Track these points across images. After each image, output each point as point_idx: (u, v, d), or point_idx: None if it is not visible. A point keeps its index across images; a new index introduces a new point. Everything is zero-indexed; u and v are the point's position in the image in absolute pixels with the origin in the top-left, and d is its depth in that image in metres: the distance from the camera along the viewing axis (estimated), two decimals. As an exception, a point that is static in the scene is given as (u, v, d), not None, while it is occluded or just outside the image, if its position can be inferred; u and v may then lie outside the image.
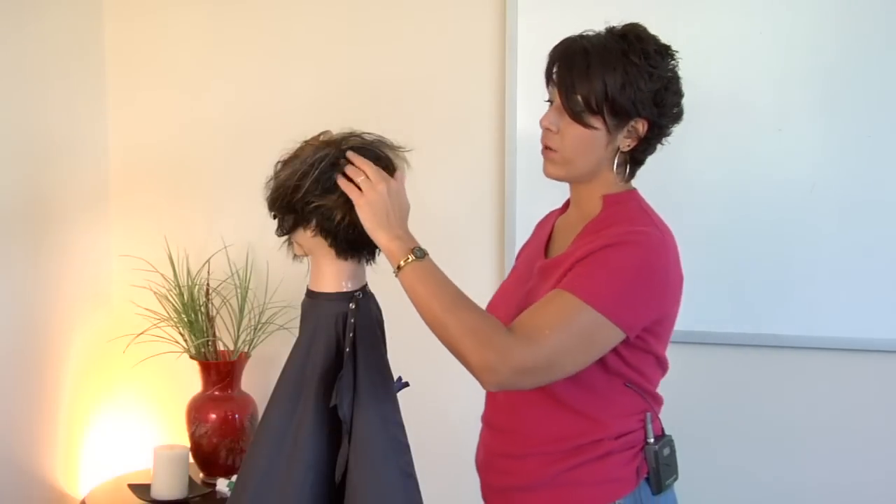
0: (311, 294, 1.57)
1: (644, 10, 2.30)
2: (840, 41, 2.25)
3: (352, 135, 1.53)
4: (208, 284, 2.58)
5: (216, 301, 2.59)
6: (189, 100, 2.70)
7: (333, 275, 1.54)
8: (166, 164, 2.72)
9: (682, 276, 1.56)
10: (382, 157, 1.52)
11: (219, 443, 2.49)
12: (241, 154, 2.65)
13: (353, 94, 2.56)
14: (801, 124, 2.28)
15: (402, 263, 1.43)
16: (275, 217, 1.55)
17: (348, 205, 1.47)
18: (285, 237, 1.56)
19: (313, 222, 1.50)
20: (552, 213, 1.77)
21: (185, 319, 2.53)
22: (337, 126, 1.56)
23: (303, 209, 1.49)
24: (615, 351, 1.50)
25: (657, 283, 1.50)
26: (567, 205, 1.70)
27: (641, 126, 1.53)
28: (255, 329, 2.55)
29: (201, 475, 2.56)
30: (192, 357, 2.55)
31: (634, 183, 1.63)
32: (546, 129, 1.55)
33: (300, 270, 1.61)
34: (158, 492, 2.42)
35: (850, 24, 2.24)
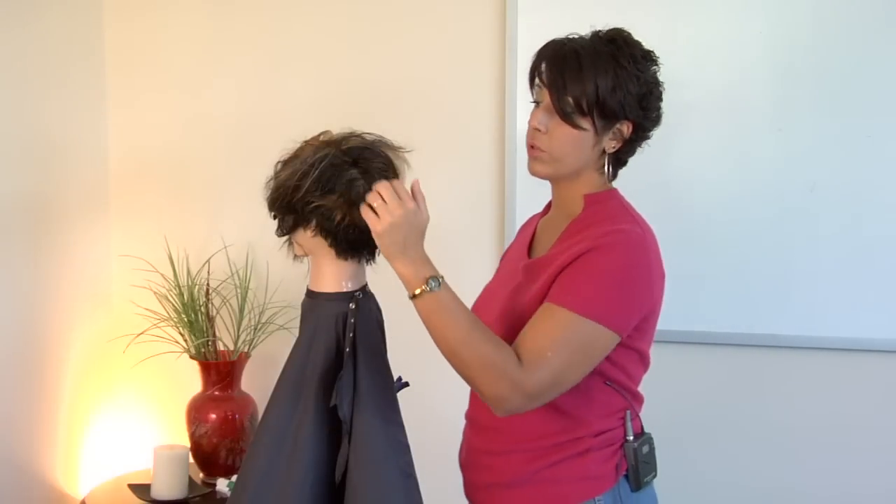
0: (311, 294, 1.57)
1: (644, 10, 2.32)
2: (840, 41, 2.25)
3: (352, 135, 1.53)
4: (208, 284, 2.58)
5: (216, 301, 2.59)
6: (189, 100, 2.70)
7: (333, 275, 1.54)
8: (166, 164, 2.72)
9: (664, 273, 1.58)
10: (382, 156, 1.52)
11: (219, 443, 2.49)
12: (241, 154, 2.65)
13: (353, 94, 2.56)
14: (801, 124, 2.28)
15: (418, 292, 1.45)
16: (275, 217, 1.55)
17: (348, 205, 1.47)
18: (285, 237, 1.56)
19: (313, 222, 1.50)
20: (535, 215, 1.79)
21: (185, 319, 2.53)
22: (337, 126, 1.56)
23: (303, 209, 1.49)
24: None
25: (642, 280, 1.53)
26: (549, 206, 1.73)
27: (626, 128, 1.57)
28: (255, 329, 2.55)
29: (201, 475, 2.56)
30: (192, 357, 2.55)
31: (618, 183, 1.65)
32: (534, 129, 1.57)
33: (300, 270, 1.61)
34: (158, 492, 2.42)
35: (849, 24, 2.24)
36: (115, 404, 2.78)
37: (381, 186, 1.44)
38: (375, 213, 1.44)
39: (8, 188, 2.39)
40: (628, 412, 1.60)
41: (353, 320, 1.51)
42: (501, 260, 1.82)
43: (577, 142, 1.55)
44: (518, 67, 2.38)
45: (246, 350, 2.55)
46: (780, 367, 2.35)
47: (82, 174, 2.67)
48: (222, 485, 2.46)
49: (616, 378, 1.57)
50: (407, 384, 1.61)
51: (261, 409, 1.95)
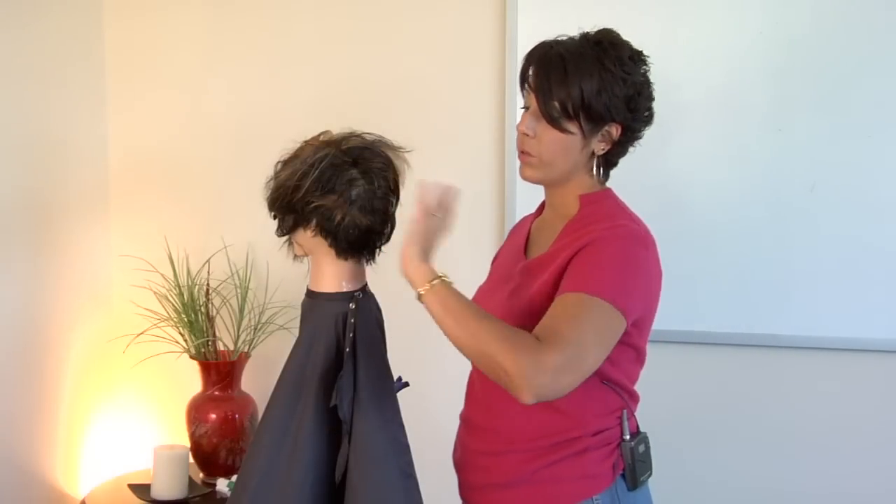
0: (311, 294, 1.57)
1: (644, 10, 2.32)
2: (840, 41, 2.25)
3: (352, 135, 1.53)
4: (208, 284, 2.58)
5: (216, 301, 2.59)
6: (189, 100, 2.70)
7: (333, 275, 1.54)
8: (166, 164, 2.72)
9: (661, 272, 1.58)
10: (382, 156, 1.52)
11: (219, 443, 2.49)
12: (240, 154, 2.65)
13: (353, 94, 2.56)
14: (801, 124, 2.28)
15: (430, 284, 1.44)
16: (275, 217, 1.55)
17: (348, 205, 1.47)
18: (285, 237, 1.56)
19: (313, 222, 1.50)
20: (526, 217, 1.80)
21: (185, 319, 2.53)
22: (337, 126, 1.56)
23: (303, 209, 1.49)
24: None
25: (644, 272, 1.53)
26: (542, 208, 1.73)
27: (615, 130, 1.57)
28: (255, 329, 2.55)
29: (201, 475, 2.56)
30: (192, 357, 2.55)
31: (618, 183, 1.66)
32: (523, 135, 1.57)
33: (300, 270, 1.61)
34: (158, 492, 2.42)
35: (849, 24, 2.24)
36: (115, 404, 2.78)
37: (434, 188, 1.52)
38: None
39: (8, 188, 2.39)
40: (625, 411, 1.61)
41: (353, 320, 1.51)
42: (493, 263, 1.82)
43: (565, 145, 1.55)
44: (518, 67, 2.37)
45: (246, 350, 2.55)
46: (780, 367, 2.35)
47: (82, 174, 2.67)
48: (222, 485, 2.46)
49: (613, 377, 1.57)
50: (407, 384, 1.61)
51: (261, 409, 1.95)
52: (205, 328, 2.53)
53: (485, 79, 2.48)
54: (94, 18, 2.70)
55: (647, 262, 1.54)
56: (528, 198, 1.74)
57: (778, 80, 2.28)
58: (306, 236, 1.52)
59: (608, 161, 1.62)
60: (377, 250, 1.56)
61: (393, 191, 1.54)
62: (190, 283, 2.56)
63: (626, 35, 1.60)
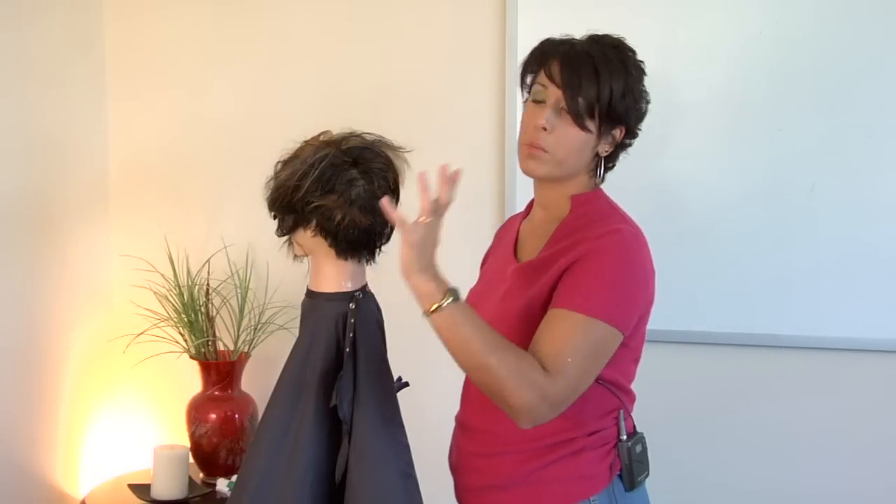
0: (311, 294, 1.57)
1: (644, 10, 2.32)
2: (840, 41, 2.25)
3: (352, 135, 1.53)
4: (208, 284, 2.58)
5: (216, 301, 2.59)
6: (189, 100, 2.70)
7: (333, 275, 1.54)
8: (166, 163, 2.72)
9: (654, 269, 1.59)
10: (382, 156, 1.53)
11: (219, 443, 2.49)
12: (241, 154, 2.65)
13: (353, 94, 2.56)
14: (801, 124, 2.28)
15: (438, 305, 1.38)
16: (275, 217, 1.55)
17: (348, 205, 1.47)
18: (285, 237, 1.56)
19: (313, 222, 1.50)
20: (513, 218, 1.79)
21: (185, 319, 2.53)
22: (337, 126, 1.56)
23: (303, 209, 1.49)
24: None
25: (640, 277, 1.54)
26: (529, 208, 1.73)
27: (619, 133, 1.59)
28: (255, 329, 2.55)
29: (201, 475, 2.56)
30: (192, 357, 2.55)
31: (618, 182, 1.67)
32: (541, 129, 1.55)
33: (300, 270, 1.61)
34: (158, 492, 2.42)
35: (849, 24, 2.24)
36: (115, 404, 2.78)
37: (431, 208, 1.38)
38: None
39: (8, 188, 2.39)
40: (621, 412, 1.60)
41: (353, 320, 1.51)
42: (482, 266, 1.81)
43: (582, 144, 1.56)
44: (517, 68, 2.37)
45: (246, 350, 2.55)
46: (780, 367, 2.35)
47: (82, 174, 2.67)
48: (222, 485, 2.46)
49: (610, 377, 1.56)
50: (407, 384, 1.61)
51: (261, 409, 1.95)
52: (205, 328, 2.53)
53: (485, 79, 2.48)
54: (94, 18, 2.70)
55: (644, 265, 1.54)
56: (528, 198, 1.74)
57: (778, 80, 2.28)
58: (306, 236, 1.52)
59: (606, 163, 1.63)
60: (377, 250, 1.56)
61: (393, 191, 1.54)
62: (190, 283, 2.55)
63: (626, 35, 1.61)
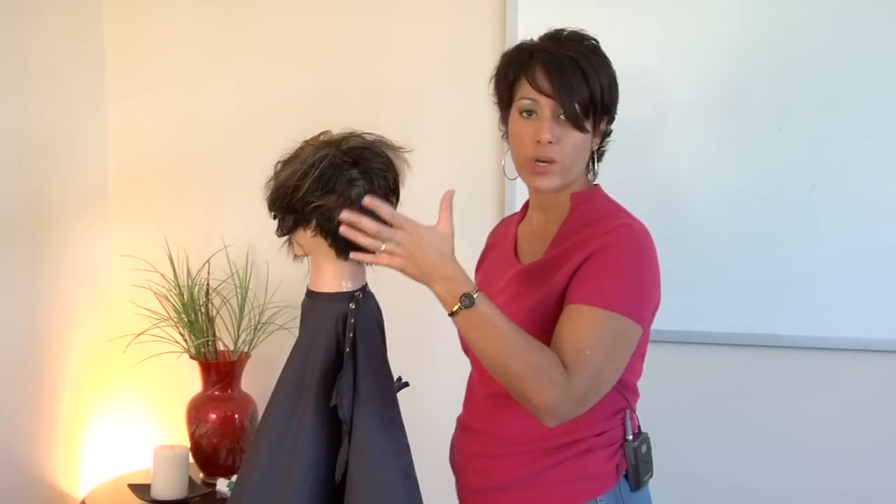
0: (311, 294, 1.57)
1: (643, 10, 2.32)
2: (840, 41, 2.25)
3: (352, 135, 1.53)
4: (208, 284, 2.58)
5: (216, 301, 2.59)
6: (189, 100, 2.70)
7: (333, 275, 1.54)
8: (166, 163, 2.72)
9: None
10: (382, 156, 1.52)
11: (219, 443, 2.49)
12: (241, 154, 2.65)
13: (353, 94, 2.56)
14: (801, 124, 2.28)
15: (457, 308, 1.38)
16: (275, 217, 1.55)
17: (348, 205, 1.47)
18: (285, 237, 1.56)
19: (313, 222, 1.50)
20: (507, 221, 1.79)
21: (185, 319, 2.53)
22: (337, 126, 1.56)
23: (303, 209, 1.49)
24: None
25: (653, 270, 1.55)
26: (524, 210, 1.72)
27: (604, 123, 1.60)
28: (255, 329, 2.55)
29: (201, 475, 2.56)
30: (192, 357, 2.55)
31: (618, 182, 1.68)
32: (547, 143, 1.53)
33: (300, 270, 1.61)
34: (158, 492, 2.42)
35: (850, 24, 2.24)
36: (115, 404, 2.78)
37: (367, 224, 1.36)
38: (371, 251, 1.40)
39: (8, 188, 2.39)
40: (627, 411, 1.60)
41: (353, 320, 1.51)
42: (477, 271, 1.80)
43: (584, 145, 1.56)
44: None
45: (246, 350, 2.55)
46: (780, 367, 2.35)
47: (82, 174, 2.67)
48: (222, 485, 2.46)
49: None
50: (407, 384, 1.61)
51: (261, 409, 1.95)
52: (205, 328, 2.53)
53: (485, 79, 2.46)
54: (94, 18, 2.70)
55: (654, 259, 1.55)
56: (528, 197, 1.74)
57: (778, 80, 2.28)
58: (306, 236, 1.52)
59: (598, 156, 1.64)
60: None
61: (393, 191, 1.54)
62: (190, 283, 2.55)
63: (626, 35, 1.61)
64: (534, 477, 1.57)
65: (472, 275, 1.79)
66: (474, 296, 1.38)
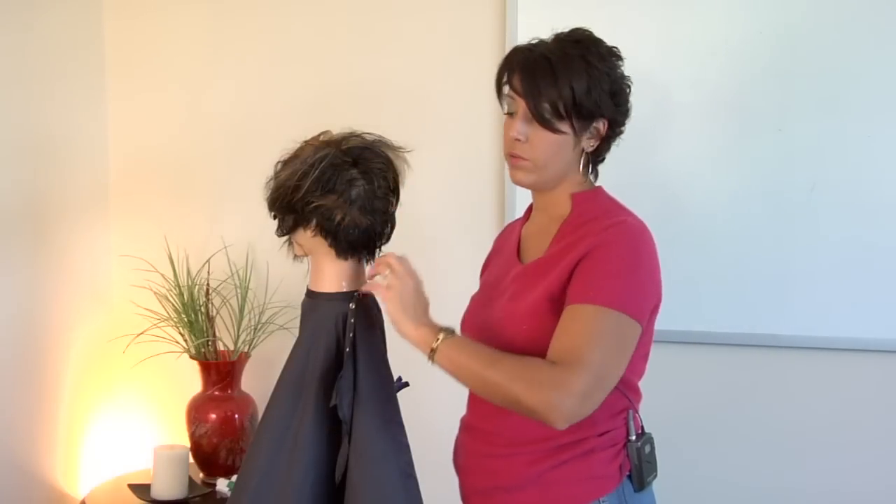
0: (311, 294, 1.57)
1: (643, 9, 2.32)
2: (840, 41, 2.25)
3: (352, 135, 1.53)
4: (208, 284, 2.58)
5: (216, 301, 2.59)
6: (189, 100, 2.70)
7: (333, 275, 1.54)
8: (166, 164, 2.72)
9: (660, 265, 1.59)
10: (382, 156, 1.52)
11: (219, 443, 2.49)
12: (241, 154, 2.65)
13: (353, 94, 2.56)
14: (801, 124, 2.28)
15: (434, 346, 1.47)
16: (275, 217, 1.55)
17: (348, 205, 1.47)
18: (285, 237, 1.56)
19: (313, 222, 1.50)
20: (512, 224, 1.79)
21: (185, 319, 2.53)
22: (337, 126, 1.56)
23: (303, 209, 1.49)
24: None
25: (651, 266, 1.55)
26: (529, 213, 1.73)
27: (602, 126, 1.59)
28: (255, 329, 2.55)
29: (201, 475, 2.56)
30: (192, 357, 2.55)
31: (618, 182, 1.67)
32: (514, 140, 1.57)
33: (300, 270, 1.61)
34: (158, 492, 2.42)
35: (849, 24, 2.24)
36: (115, 404, 2.78)
37: (392, 257, 1.50)
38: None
39: (8, 188, 2.39)
40: (630, 412, 1.60)
41: (353, 320, 1.51)
42: (482, 274, 1.81)
43: (559, 146, 1.56)
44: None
45: (246, 350, 2.55)
46: (780, 367, 2.35)
47: (82, 174, 2.67)
48: (222, 485, 2.46)
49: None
50: (407, 384, 1.61)
51: (261, 409, 1.95)
52: (205, 328, 2.53)
53: (484, 79, 2.45)
54: (94, 18, 2.70)
55: (652, 256, 1.55)
56: (528, 198, 1.74)
57: (778, 80, 2.28)
58: (306, 236, 1.52)
59: (596, 157, 1.64)
60: (377, 250, 1.56)
61: (393, 191, 1.54)
62: (190, 283, 2.55)
63: (626, 35, 1.61)
64: (537, 477, 1.57)
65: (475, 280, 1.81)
66: (452, 329, 1.49)
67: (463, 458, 1.69)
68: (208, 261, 2.61)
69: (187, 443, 2.53)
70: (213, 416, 2.49)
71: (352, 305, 1.52)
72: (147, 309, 2.56)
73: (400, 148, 1.56)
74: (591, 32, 1.59)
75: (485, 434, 1.63)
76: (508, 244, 1.73)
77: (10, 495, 2.42)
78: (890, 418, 2.31)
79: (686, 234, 2.33)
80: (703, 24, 2.31)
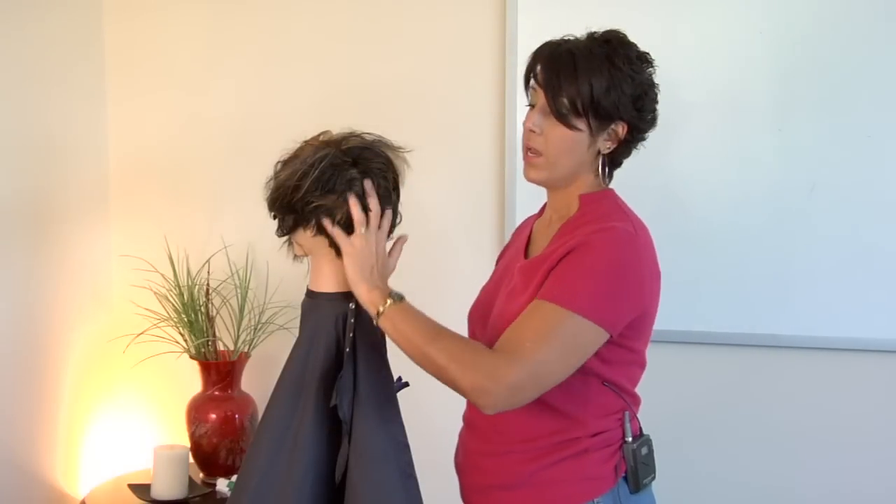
0: (311, 294, 1.57)
1: (644, 9, 2.32)
2: (839, 40, 2.25)
3: (352, 135, 1.53)
4: (208, 284, 2.58)
5: (216, 301, 2.59)
6: (189, 100, 2.70)
7: (333, 275, 1.54)
8: (166, 164, 2.72)
9: (659, 272, 1.58)
10: (382, 156, 1.52)
11: (219, 443, 2.49)
12: (241, 154, 2.65)
13: (353, 94, 2.56)
14: (801, 124, 2.28)
15: (380, 309, 1.47)
16: (275, 217, 1.55)
17: (347, 205, 1.47)
18: (285, 237, 1.56)
19: (313, 222, 1.50)
20: (530, 218, 1.79)
21: (185, 319, 2.53)
22: (337, 126, 1.56)
23: (303, 209, 1.49)
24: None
25: (632, 277, 1.52)
26: (545, 208, 1.73)
27: (621, 129, 1.57)
28: (255, 329, 2.55)
29: (201, 475, 2.56)
30: (192, 357, 2.55)
31: (618, 182, 1.66)
32: (529, 131, 1.57)
33: (300, 270, 1.61)
34: (158, 492, 2.42)
35: (850, 24, 2.24)
36: (115, 404, 2.78)
37: (376, 219, 1.49)
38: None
39: (8, 188, 2.39)
40: (626, 413, 1.60)
41: (352, 320, 1.51)
42: (497, 263, 1.82)
43: (572, 143, 1.55)
44: (518, 68, 2.36)
45: (246, 350, 2.55)
46: (780, 367, 2.35)
47: (82, 174, 2.67)
48: (222, 485, 2.46)
49: (613, 378, 1.56)
50: (407, 384, 1.61)
51: (261, 409, 1.95)
52: (205, 328, 2.53)
53: (485, 79, 2.48)
54: (94, 18, 2.70)
55: (637, 266, 1.52)
56: (529, 198, 1.75)
57: (778, 81, 2.28)
58: (306, 236, 1.52)
59: (613, 161, 1.62)
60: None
61: (393, 190, 1.54)
62: (190, 283, 2.55)
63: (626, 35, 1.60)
64: (532, 476, 1.57)
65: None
66: (401, 294, 1.49)
67: (462, 457, 1.70)
68: (208, 261, 2.61)
69: (187, 443, 2.53)
70: (213, 416, 2.49)
71: (352, 305, 1.52)
72: (147, 309, 2.56)
73: (400, 148, 1.56)
74: (623, 35, 1.58)
75: (481, 430, 1.64)
76: (520, 238, 1.74)
77: (10, 495, 2.42)
78: (890, 418, 2.31)
79: (686, 234, 2.33)
80: (704, 24, 2.31)
